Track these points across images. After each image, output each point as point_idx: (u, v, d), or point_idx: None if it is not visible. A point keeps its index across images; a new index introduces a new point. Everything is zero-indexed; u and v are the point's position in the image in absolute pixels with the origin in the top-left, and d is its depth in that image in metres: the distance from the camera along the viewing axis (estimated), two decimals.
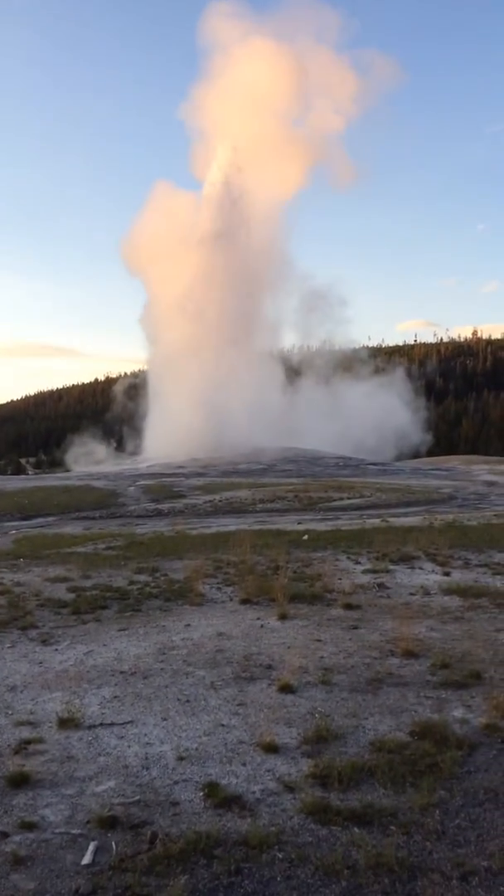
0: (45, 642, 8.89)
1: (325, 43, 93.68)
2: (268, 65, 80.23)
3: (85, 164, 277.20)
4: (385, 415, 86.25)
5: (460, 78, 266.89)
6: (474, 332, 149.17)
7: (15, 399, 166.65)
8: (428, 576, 12.48)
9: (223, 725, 6.07)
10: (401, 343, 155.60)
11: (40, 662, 8.06)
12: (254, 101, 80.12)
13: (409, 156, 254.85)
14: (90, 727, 6.10)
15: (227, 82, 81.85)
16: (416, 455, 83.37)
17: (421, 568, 13.17)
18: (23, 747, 5.71)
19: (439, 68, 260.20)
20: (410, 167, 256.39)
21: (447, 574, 12.55)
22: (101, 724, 6.16)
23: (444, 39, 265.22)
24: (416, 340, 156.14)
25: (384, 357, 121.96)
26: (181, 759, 5.45)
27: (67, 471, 69.10)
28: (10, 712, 6.50)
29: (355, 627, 9.14)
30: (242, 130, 78.65)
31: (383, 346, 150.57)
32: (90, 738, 5.89)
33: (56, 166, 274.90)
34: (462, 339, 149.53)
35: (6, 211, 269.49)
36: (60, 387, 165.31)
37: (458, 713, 6.21)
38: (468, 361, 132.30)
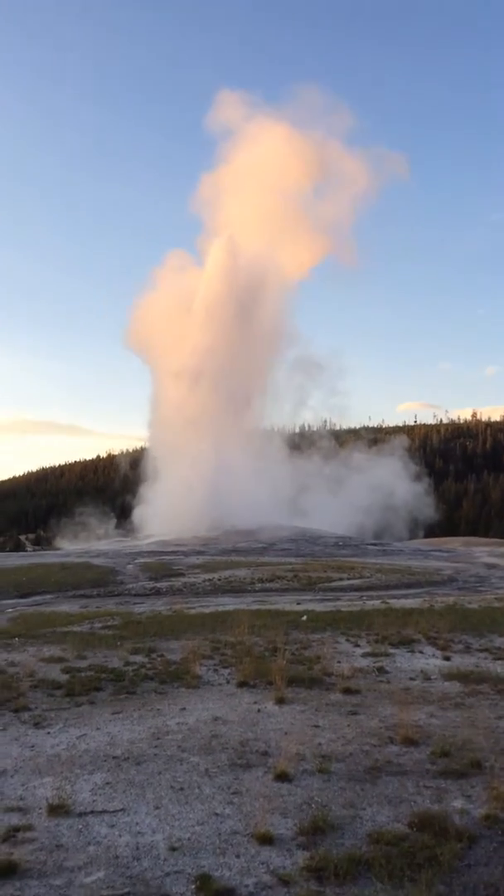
0: (37, 725, 8.73)
1: (336, 136, 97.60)
2: (277, 154, 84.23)
3: (89, 242, 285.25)
4: (385, 494, 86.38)
5: (464, 167, 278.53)
6: (474, 414, 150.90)
7: (17, 475, 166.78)
8: (428, 660, 12.31)
9: (217, 815, 5.93)
10: (401, 423, 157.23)
11: (32, 746, 7.90)
12: (262, 189, 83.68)
13: (412, 240, 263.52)
14: (81, 814, 5.95)
15: (236, 169, 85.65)
16: (416, 535, 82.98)
17: (421, 652, 13.00)
18: (11, 834, 5.56)
19: (443, 157, 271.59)
20: (413, 251, 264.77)
21: (448, 658, 12.38)
22: (93, 812, 6.01)
23: (448, 129, 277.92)
24: (416, 421, 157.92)
25: (384, 436, 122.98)
26: (173, 849, 5.30)
27: (58, 549, 68.90)
28: None
29: (354, 713, 8.98)
30: (249, 216, 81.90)
31: (384, 425, 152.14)
32: (80, 827, 5.74)
33: (60, 245, 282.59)
34: (462, 421, 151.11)
35: (9, 289, 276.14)
36: (63, 463, 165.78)
37: (459, 804, 6.06)
38: (468, 443, 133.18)
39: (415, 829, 5.50)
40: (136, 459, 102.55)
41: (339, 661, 12.00)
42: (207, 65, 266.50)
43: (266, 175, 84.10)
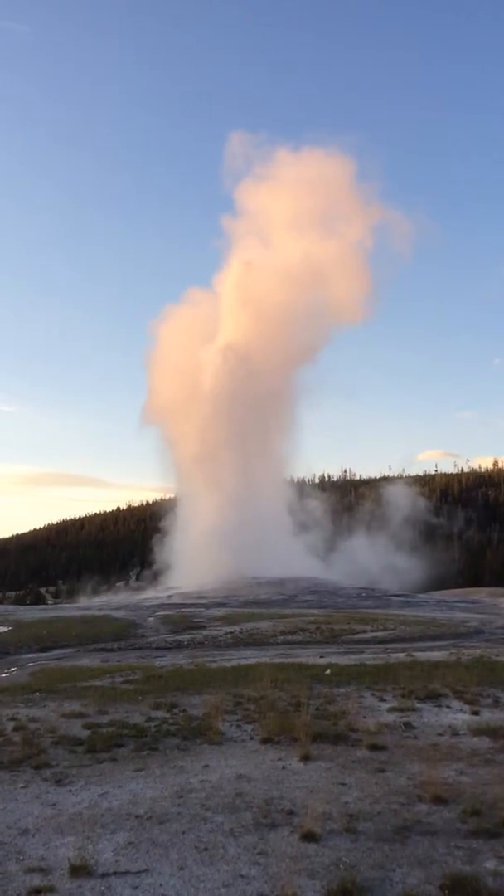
0: (58, 782, 8.61)
1: (358, 190, 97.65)
2: (313, 209, 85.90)
3: (105, 294, 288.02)
4: (407, 543, 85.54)
5: (474, 222, 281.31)
6: (495, 463, 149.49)
7: (37, 528, 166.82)
8: (456, 715, 12.01)
9: (243, 876, 5.77)
10: (422, 473, 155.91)
11: (53, 804, 7.78)
12: (286, 244, 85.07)
13: (423, 294, 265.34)
14: (103, 875, 5.83)
15: (251, 225, 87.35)
16: (440, 586, 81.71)
17: (448, 706, 12.69)
18: None
19: (454, 214, 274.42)
20: (425, 304, 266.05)
21: (476, 713, 12.07)
22: (115, 873, 5.89)
23: (456, 183, 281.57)
24: (437, 470, 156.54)
25: (405, 486, 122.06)
26: None
27: (78, 602, 68.85)
28: (21, 858, 6.25)
29: (381, 770, 8.76)
30: (269, 262, 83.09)
31: (404, 475, 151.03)
32: (103, 888, 5.62)
33: (77, 299, 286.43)
34: (483, 470, 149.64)
35: (29, 345, 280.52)
36: (83, 515, 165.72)
37: (491, 865, 5.86)
38: (490, 491, 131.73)
39: (446, 892, 5.33)
40: (156, 511, 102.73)
41: (364, 717, 11.75)
42: (219, 112, 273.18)
43: (291, 232, 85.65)
